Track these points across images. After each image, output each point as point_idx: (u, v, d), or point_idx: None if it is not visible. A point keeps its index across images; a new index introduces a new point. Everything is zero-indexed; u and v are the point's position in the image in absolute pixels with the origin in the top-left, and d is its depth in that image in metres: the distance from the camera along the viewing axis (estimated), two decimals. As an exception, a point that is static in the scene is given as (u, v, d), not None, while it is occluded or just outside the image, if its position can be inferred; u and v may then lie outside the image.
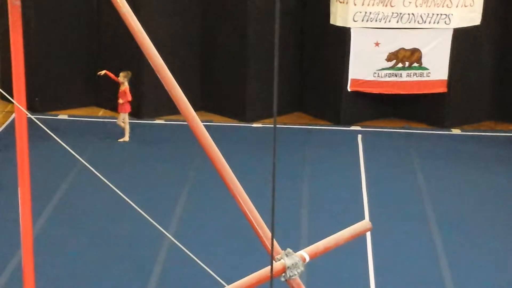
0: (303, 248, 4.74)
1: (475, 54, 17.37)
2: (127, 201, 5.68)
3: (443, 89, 17.20)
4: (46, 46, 17.28)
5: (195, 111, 5.00)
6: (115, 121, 16.16)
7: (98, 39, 17.60)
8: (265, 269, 4.56)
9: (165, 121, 17.17)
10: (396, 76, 17.11)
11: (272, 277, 4.30)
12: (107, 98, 17.20)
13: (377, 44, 16.87)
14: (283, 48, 16.70)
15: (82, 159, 6.14)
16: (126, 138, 15.94)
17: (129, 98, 15.77)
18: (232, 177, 4.79)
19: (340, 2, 16.64)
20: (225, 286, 4.84)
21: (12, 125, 15.69)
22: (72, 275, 11.06)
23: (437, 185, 14.42)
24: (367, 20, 16.65)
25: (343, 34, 16.78)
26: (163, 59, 5.08)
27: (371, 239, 12.06)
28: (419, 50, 16.94)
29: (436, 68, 17.05)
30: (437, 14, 16.63)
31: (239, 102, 17.37)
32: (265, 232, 4.70)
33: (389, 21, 16.65)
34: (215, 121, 17.13)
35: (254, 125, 17.16)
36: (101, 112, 17.67)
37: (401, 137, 16.78)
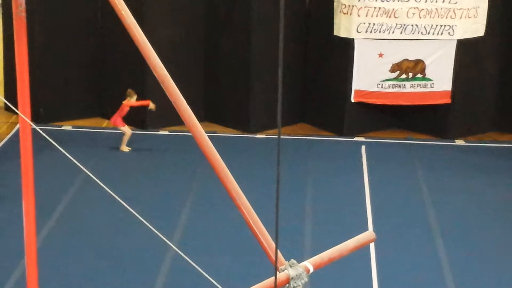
0: (307, 259, 4.73)
1: (478, 65, 17.38)
2: (131, 212, 5.68)
3: (446, 100, 17.21)
4: (51, 57, 17.33)
5: (199, 121, 5.01)
6: (122, 132, 16.18)
7: (102, 51, 17.64)
8: (269, 279, 4.55)
9: (169, 131, 17.20)
10: (400, 87, 17.12)
11: (275, 288, 4.30)
12: (111, 109, 17.22)
13: (380, 55, 16.89)
14: (287, 59, 16.71)
15: (86, 169, 6.15)
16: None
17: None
18: (236, 187, 4.79)
19: (344, 13, 16.67)
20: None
21: (16, 135, 15.72)
22: (75, 286, 11.05)
23: (441, 195, 14.41)
24: (370, 31, 16.68)
25: (347, 45, 16.81)
26: (167, 70, 5.09)
27: (375, 249, 12.05)
28: (423, 61, 16.96)
29: (440, 79, 17.06)
30: (441, 26, 16.64)
31: (243, 113, 17.39)
32: (269, 243, 4.70)
33: (393, 32, 16.68)
34: (218, 132, 17.15)
35: (258, 136, 17.17)
36: (105, 123, 17.70)
37: (405, 148, 16.78)
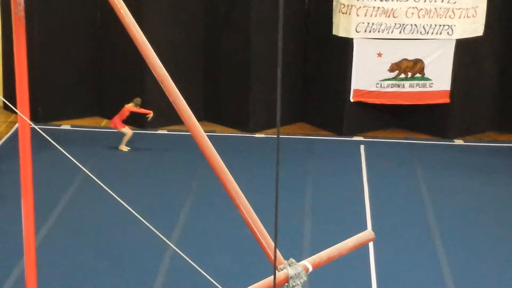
0: (306, 258, 4.74)
1: (477, 65, 17.38)
2: (130, 211, 5.69)
3: (445, 99, 17.21)
4: (50, 57, 17.32)
5: (198, 121, 5.01)
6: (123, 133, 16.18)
7: (101, 50, 17.63)
8: (268, 279, 4.55)
9: (168, 131, 17.19)
10: (399, 86, 17.12)
11: (275, 287, 4.30)
12: (110, 108, 17.23)
13: (379, 54, 16.89)
14: (286, 59, 16.72)
15: (85, 169, 6.15)
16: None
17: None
18: (235, 187, 4.80)
19: (343, 13, 16.67)
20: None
21: (15, 135, 15.71)
22: (74, 285, 11.06)
23: (440, 195, 14.41)
24: (369, 31, 16.68)
25: (346, 44, 16.81)
26: (166, 70, 5.09)
27: (374, 248, 12.05)
28: (422, 61, 16.96)
29: (439, 78, 17.06)
30: (440, 25, 16.64)
31: (242, 113, 17.39)
32: (268, 242, 4.70)
33: (392, 31, 16.68)
34: (218, 131, 17.15)
35: (257, 135, 17.17)
36: (104, 122, 17.69)
37: (404, 148, 16.78)
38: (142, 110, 15.93)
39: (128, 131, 16.06)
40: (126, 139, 16.06)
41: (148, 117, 15.94)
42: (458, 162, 16.14)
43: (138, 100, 15.96)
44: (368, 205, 13.84)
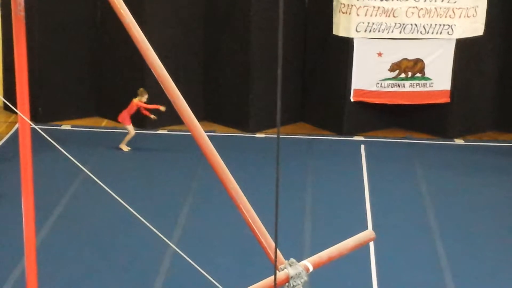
0: (306, 258, 4.74)
1: (478, 65, 17.38)
2: (130, 211, 5.69)
3: (446, 99, 17.21)
4: (50, 57, 17.32)
5: (198, 121, 5.01)
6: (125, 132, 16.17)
7: (101, 50, 17.63)
8: (269, 279, 4.55)
9: (168, 131, 17.19)
10: (399, 86, 17.12)
11: (275, 287, 4.30)
12: (109, 108, 17.23)
13: (380, 54, 16.89)
14: (286, 59, 16.72)
15: (85, 169, 6.15)
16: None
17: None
18: (235, 187, 4.80)
19: (343, 13, 16.67)
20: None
21: (15, 135, 15.71)
22: (74, 285, 11.05)
23: (440, 195, 14.41)
24: (370, 31, 16.68)
25: (346, 44, 16.81)
26: (166, 70, 5.09)
27: (374, 248, 12.05)
28: (422, 61, 16.96)
29: (439, 78, 17.06)
30: (440, 25, 16.64)
31: (242, 112, 17.39)
32: (268, 242, 4.70)
33: (392, 31, 16.68)
34: (218, 131, 17.15)
35: (257, 135, 17.17)
36: (104, 122, 17.69)
37: (404, 147, 16.78)
38: (152, 106, 15.78)
39: (132, 130, 16.01)
40: (128, 138, 16.04)
41: (159, 111, 15.73)
42: (458, 161, 16.14)
43: (142, 91, 15.73)
44: (368, 205, 13.84)
